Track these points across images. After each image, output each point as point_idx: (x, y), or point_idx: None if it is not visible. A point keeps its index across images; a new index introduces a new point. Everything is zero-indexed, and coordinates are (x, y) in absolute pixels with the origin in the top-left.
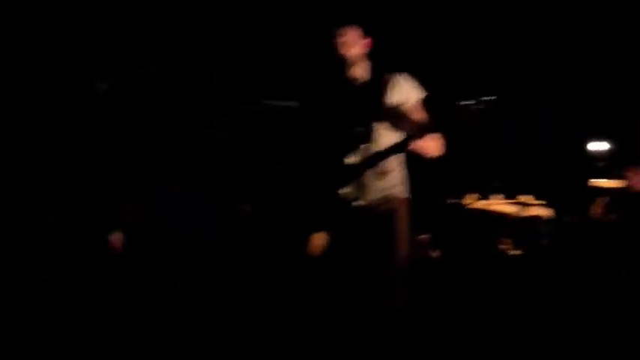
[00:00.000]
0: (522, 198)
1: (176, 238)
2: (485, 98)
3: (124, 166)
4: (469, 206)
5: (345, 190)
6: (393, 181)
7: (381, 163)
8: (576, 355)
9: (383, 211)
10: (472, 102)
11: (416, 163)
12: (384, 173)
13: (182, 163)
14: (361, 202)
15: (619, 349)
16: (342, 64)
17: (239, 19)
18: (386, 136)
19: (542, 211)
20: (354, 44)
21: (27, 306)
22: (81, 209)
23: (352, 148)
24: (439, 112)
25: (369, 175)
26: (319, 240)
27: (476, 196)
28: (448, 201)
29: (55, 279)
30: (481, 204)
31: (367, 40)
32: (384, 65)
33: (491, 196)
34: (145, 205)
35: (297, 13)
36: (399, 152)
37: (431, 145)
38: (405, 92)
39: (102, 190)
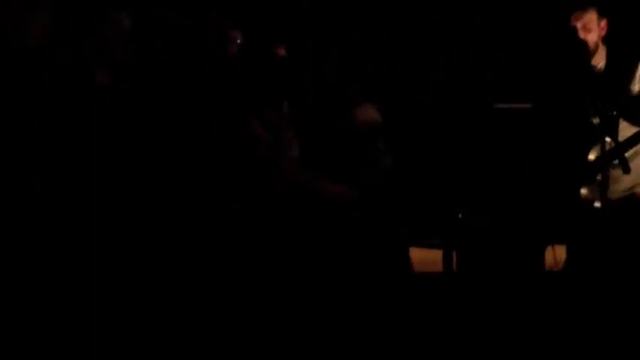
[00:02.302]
0: None
1: None
2: None
3: None
4: None
5: (584, 191)
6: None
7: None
8: None
9: (629, 212)
10: None
11: None
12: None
13: None
14: (598, 204)
15: None
16: (580, 50)
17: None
18: (629, 127)
19: None
20: (593, 28)
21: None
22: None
23: (592, 142)
24: None
25: (612, 172)
26: (558, 253)
27: None
28: None
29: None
30: None
31: (604, 23)
32: (620, 50)
33: None
34: None
35: None
36: None
37: None
38: None
39: None
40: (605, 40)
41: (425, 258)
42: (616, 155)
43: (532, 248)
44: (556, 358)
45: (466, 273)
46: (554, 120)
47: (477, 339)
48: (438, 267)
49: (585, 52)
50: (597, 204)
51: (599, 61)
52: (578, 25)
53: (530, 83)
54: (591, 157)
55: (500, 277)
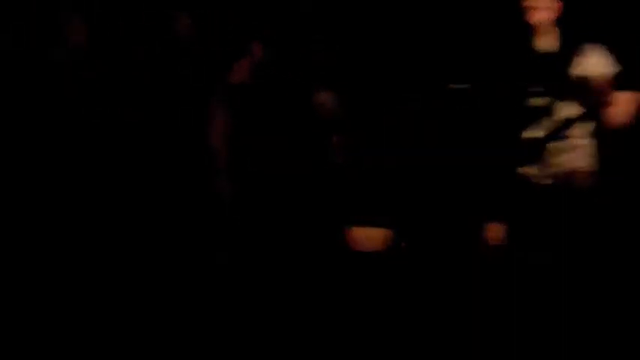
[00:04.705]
0: None
1: None
2: None
3: None
4: None
5: (526, 169)
6: (579, 152)
7: (567, 134)
8: None
9: (568, 187)
10: None
11: None
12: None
13: None
14: (543, 181)
15: None
16: (525, 32)
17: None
18: (568, 108)
19: None
20: (542, 8)
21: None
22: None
23: (532, 122)
24: None
25: (552, 149)
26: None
27: None
28: None
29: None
30: None
31: (558, 4)
32: (574, 34)
33: None
34: None
35: None
36: (587, 121)
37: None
38: (598, 66)
39: None
40: (558, 22)
41: (369, 237)
42: (557, 133)
43: (473, 225)
44: (503, 334)
45: (409, 251)
46: (492, 100)
47: (420, 318)
48: (382, 245)
49: (528, 32)
50: (547, 181)
51: (547, 44)
52: (525, 4)
53: (471, 63)
54: (530, 134)
55: (443, 255)
